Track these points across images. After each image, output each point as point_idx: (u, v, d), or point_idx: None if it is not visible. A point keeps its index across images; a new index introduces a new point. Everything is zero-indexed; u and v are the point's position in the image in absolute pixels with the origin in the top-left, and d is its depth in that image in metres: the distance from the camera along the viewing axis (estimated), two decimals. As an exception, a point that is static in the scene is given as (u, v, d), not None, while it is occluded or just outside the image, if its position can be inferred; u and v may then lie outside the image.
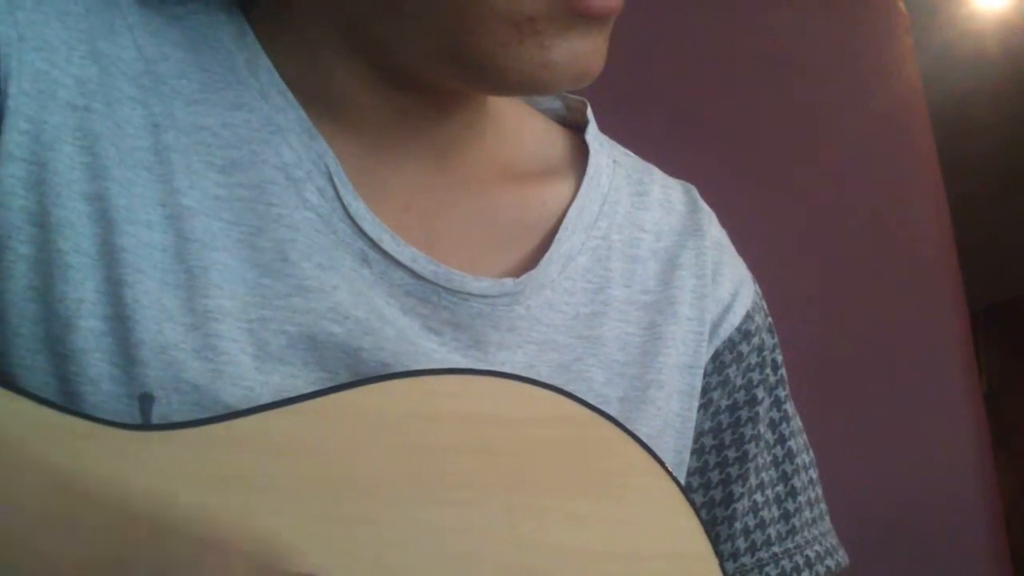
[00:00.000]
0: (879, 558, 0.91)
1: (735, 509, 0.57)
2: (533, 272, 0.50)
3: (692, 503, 0.46)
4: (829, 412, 0.92)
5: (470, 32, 0.43)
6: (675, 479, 0.45)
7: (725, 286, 0.57)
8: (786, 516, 0.58)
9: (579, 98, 0.59)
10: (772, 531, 0.57)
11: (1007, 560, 0.94)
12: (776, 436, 0.59)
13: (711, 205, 0.60)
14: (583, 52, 0.44)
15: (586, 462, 0.45)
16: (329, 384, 0.45)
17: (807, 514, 0.59)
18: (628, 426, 0.46)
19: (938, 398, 0.96)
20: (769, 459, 0.58)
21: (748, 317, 0.58)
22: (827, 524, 0.61)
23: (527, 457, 0.44)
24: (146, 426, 0.41)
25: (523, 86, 0.45)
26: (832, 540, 0.60)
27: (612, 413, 0.46)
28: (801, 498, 0.58)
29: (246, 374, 0.44)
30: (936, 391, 0.97)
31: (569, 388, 0.49)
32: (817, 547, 0.58)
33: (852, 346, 0.96)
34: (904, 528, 0.92)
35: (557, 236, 0.52)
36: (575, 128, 0.59)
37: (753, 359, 0.58)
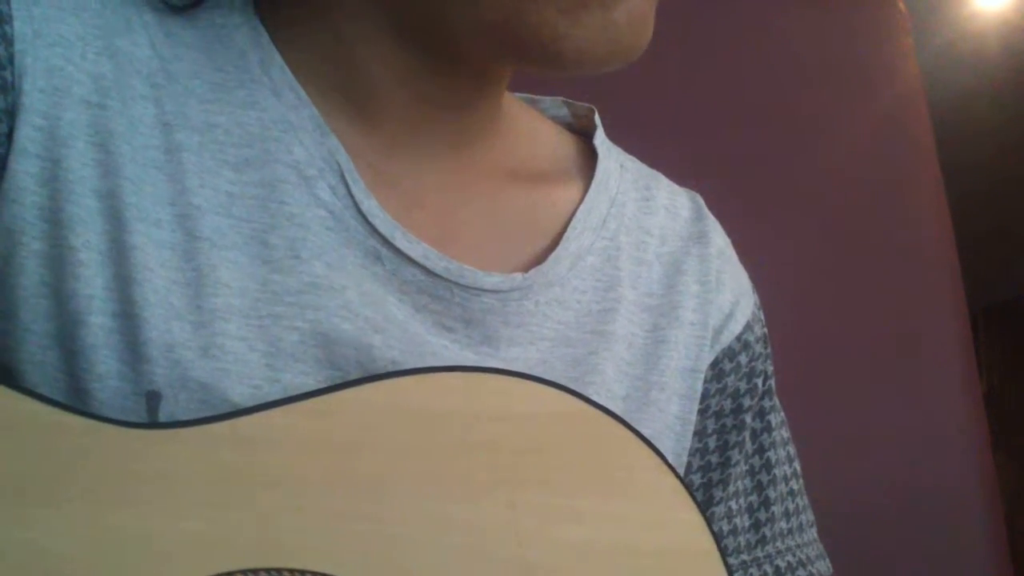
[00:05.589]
0: (879, 557, 0.91)
1: (712, 513, 0.57)
2: (542, 267, 0.51)
3: (695, 499, 0.46)
4: (829, 412, 0.92)
5: (532, 0, 0.43)
6: (678, 475, 0.46)
7: (727, 295, 0.57)
8: (756, 526, 0.58)
9: (587, 105, 0.59)
10: (742, 539, 0.58)
11: (1007, 560, 0.94)
12: (756, 446, 0.59)
13: (710, 205, 0.61)
14: (639, 14, 0.45)
15: (590, 459, 0.45)
16: (339, 382, 0.45)
17: (782, 525, 0.59)
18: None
19: (938, 398, 0.97)
20: (746, 468, 0.59)
21: (748, 327, 0.58)
22: (809, 535, 0.61)
23: (531, 454, 0.44)
24: (150, 424, 0.41)
25: (580, 56, 0.45)
26: (811, 551, 0.60)
27: (617, 411, 0.46)
28: (776, 508, 0.59)
29: (254, 372, 0.44)
30: (936, 391, 0.97)
31: (583, 381, 0.50)
32: (790, 557, 0.58)
33: (852, 346, 0.96)
34: (904, 528, 0.92)
35: (565, 235, 0.52)
36: (582, 135, 0.59)
37: (746, 369, 0.58)
